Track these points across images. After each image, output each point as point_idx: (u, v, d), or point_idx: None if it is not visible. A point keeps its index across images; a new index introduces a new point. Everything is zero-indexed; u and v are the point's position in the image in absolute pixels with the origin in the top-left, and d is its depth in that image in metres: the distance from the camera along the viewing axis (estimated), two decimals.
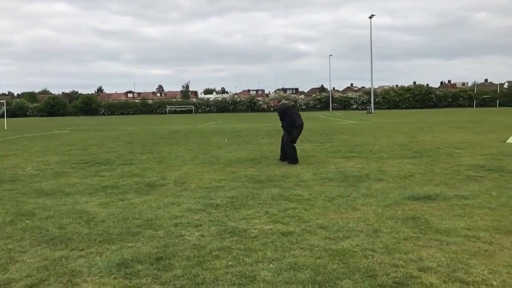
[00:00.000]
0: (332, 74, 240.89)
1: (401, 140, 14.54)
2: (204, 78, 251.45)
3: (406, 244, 3.93)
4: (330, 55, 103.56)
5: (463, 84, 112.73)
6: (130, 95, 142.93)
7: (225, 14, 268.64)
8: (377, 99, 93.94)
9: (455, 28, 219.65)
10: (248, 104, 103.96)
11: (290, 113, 10.04)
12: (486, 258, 3.54)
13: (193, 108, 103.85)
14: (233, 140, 16.59)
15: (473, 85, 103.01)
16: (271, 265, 3.48)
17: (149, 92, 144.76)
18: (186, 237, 4.31)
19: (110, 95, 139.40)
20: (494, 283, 3.06)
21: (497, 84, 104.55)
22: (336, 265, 3.44)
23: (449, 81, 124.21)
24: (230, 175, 8.17)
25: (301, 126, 10.01)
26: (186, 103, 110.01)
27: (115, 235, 4.45)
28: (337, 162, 9.71)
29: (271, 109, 12.53)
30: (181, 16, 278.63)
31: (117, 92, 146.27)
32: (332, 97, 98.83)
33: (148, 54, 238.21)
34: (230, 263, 3.56)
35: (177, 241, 4.18)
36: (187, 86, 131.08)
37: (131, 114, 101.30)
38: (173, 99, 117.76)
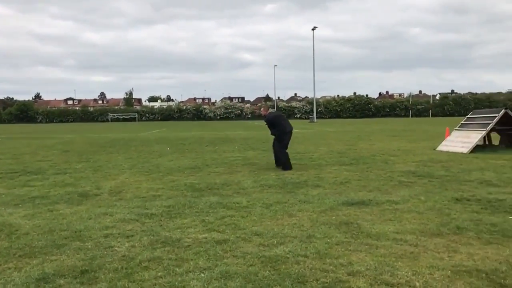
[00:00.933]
0: (277, 84, 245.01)
1: (339, 148, 14.97)
2: (149, 86, 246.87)
3: (338, 249, 4.00)
4: (275, 65, 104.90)
5: (400, 95, 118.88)
6: (70, 102, 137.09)
7: (170, 21, 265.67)
8: (319, 109, 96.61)
9: (392, 42, 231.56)
10: (194, 112, 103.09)
11: (280, 121, 10.25)
12: (411, 260, 3.67)
13: (137, 116, 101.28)
14: (175, 148, 16.30)
15: (409, 96, 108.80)
16: (202, 275, 3.40)
17: (91, 99, 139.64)
18: (116, 248, 4.12)
19: (48, 102, 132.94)
20: (417, 284, 3.18)
21: (430, 96, 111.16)
22: (267, 272, 3.42)
23: (387, 92, 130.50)
24: (169, 184, 7.98)
25: (291, 131, 10.26)
26: (130, 110, 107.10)
27: (38, 248, 4.17)
28: (277, 169, 9.80)
29: (261, 115, 12.10)
30: (125, 22, 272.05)
31: (56, 99, 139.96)
32: (277, 106, 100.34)
33: (90, 60, 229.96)
34: (159, 274, 3.43)
35: (105, 252, 3.99)
36: (131, 93, 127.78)
37: (71, 121, 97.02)
38: (116, 107, 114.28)
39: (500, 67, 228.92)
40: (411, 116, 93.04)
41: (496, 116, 12.48)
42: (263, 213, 5.49)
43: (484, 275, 3.31)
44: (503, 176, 8.13)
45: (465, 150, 12.09)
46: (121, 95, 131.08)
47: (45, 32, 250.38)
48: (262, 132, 29.85)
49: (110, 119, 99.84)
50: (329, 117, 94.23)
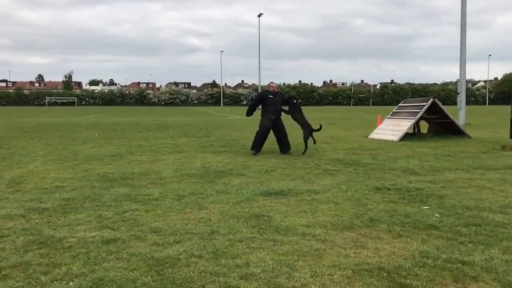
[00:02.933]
0: (224, 71, 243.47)
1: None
2: (91, 69, 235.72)
3: (239, 247, 3.63)
4: (222, 51, 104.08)
5: (343, 84, 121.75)
6: (3, 84, 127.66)
7: (113, 2, 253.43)
8: None
9: (337, 32, 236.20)
10: (137, 97, 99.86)
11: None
12: (314, 259, 3.38)
13: (76, 100, 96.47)
14: (104, 135, 15.36)
15: (351, 85, 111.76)
16: (71, 283, 2.89)
17: (27, 82, 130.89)
18: None
19: None
20: (313, 287, 2.87)
21: (371, 85, 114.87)
22: (149, 278, 2.98)
23: (331, 81, 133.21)
24: (80, 173, 7.29)
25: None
26: (68, 94, 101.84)
27: None
28: (205, 157, 9.35)
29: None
30: (65, 1, 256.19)
31: None
32: (224, 93, 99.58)
33: (26, 41, 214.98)
34: (17, 284, 2.88)
35: None
36: (70, 76, 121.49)
37: (4, 105, 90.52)
38: (54, 90, 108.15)
39: (436, 59, 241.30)
40: (353, 105, 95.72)
41: (425, 105, 12.74)
42: (171, 206, 5.03)
43: (385, 274, 3.07)
44: (426, 164, 8.20)
45: (395, 138, 12.25)
46: (60, 78, 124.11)
47: None
48: (203, 119, 29.19)
49: (47, 103, 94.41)
50: None
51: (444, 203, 5.20)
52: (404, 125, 12.78)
